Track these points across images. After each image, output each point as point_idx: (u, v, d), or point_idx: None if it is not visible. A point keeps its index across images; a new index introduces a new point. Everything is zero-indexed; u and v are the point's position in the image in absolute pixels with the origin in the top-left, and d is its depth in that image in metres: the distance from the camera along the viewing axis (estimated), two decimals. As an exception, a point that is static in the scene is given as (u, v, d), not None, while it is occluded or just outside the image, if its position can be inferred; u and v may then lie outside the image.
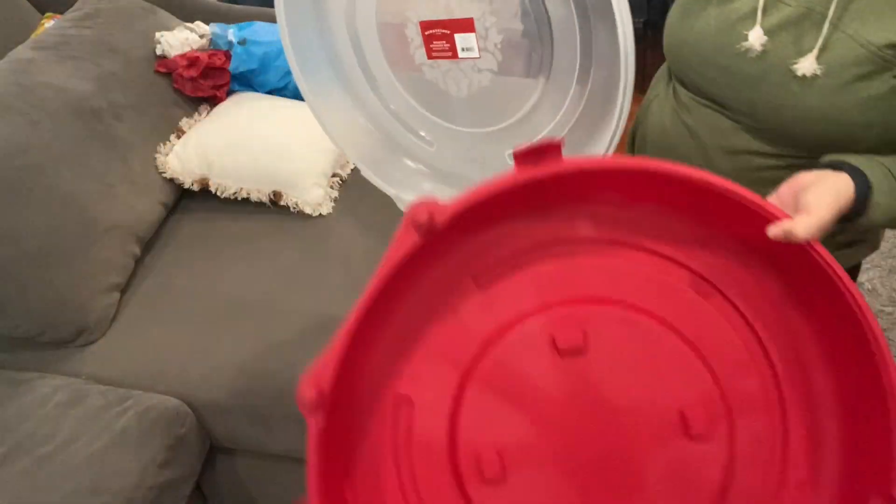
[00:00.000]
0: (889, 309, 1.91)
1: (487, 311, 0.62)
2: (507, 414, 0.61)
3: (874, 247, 0.89)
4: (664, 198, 0.60)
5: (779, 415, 0.60)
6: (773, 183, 0.64)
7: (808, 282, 0.58)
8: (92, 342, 1.25)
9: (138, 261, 1.38)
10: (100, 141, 1.31)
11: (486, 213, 0.60)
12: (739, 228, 0.58)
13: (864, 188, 0.64)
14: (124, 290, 1.34)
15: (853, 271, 0.92)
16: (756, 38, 0.71)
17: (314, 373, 0.54)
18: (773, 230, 0.54)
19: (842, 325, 0.56)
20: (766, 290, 0.61)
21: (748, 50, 0.72)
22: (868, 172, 0.64)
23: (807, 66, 0.69)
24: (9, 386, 1.17)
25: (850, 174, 0.64)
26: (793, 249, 0.55)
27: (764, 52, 0.72)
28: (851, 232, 0.83)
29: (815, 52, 0.68)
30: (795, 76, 0.70)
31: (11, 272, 1.14)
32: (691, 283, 0.61)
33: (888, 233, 2.13)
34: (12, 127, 1.18)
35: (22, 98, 1.23)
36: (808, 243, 0.54)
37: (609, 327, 0.61)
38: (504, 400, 0.61)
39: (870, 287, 1.97)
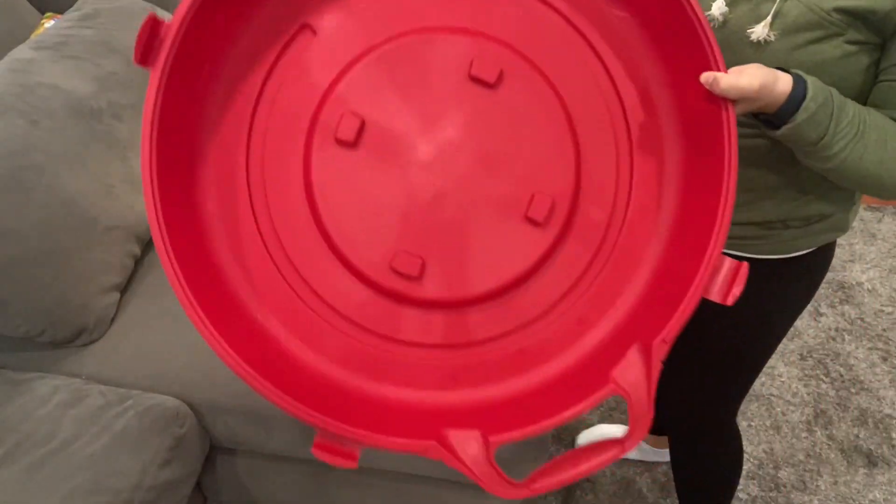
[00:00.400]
0: (889, 309, 1.91)
1: (434, 7, 0.64)
2: (392, 97, 0.62)
3: (842, 228, 0.90)
4: (640, 8, 0.63)
5: (608, 249, 0.64)
6: (742, 155, 0.65)
7: (708, 138, 0.61)
8: (92, 342, 1.25)
9: (138, 261, 1.38)
10: (100, 141, 1.31)
11: None
12: (690, 63, 0.62)
13: (800, 90, 0.66)
14: (124, 290, 1.34)
15: (825, 252, 0.94)
16: (717, 8, 0.76)
17: None
18: (704, 76, 0.59)
19: (705, 187, 0.60)
20: (663, 133, 0.65)
21: (711, 20, 0.76)
22: (809, 81, 0.67)
23: (759, 30, 0.73)
24: (9, 386, 1.17)
25: (793, 77, 0.67)
26: (711, 108, 0.60)
27: (725, 22, 0.76)
28: (815, 202, 0.85)
29: (769, 18, 0.72)
30: (751, 41, 0.74)
31: (11, 272, 1.14)
32: (611, 97, 0.65)
33: (888, 233, 2.13)
34: (12, 127, 1.18)
35: (22, 98, 1.22)
36: (724, 101, 0.59)
37: (524, 86, 0.63)
38: (397, 85, 0.62)
39: (870, 287, 1.97)
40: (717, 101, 0.60)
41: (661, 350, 0.57)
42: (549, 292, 0.64)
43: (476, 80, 0.63)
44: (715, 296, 0.58)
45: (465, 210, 0.62)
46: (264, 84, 0.62)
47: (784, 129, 0.68)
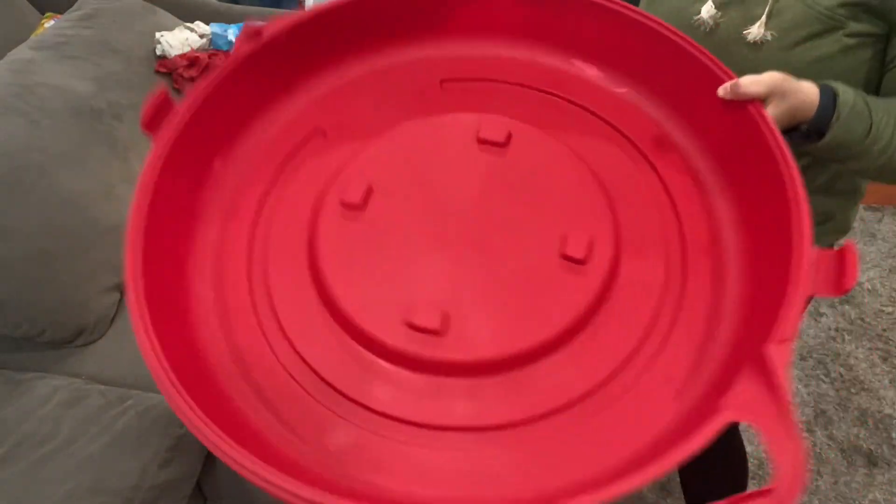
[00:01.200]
0: (889, 309, 1.91)
1: (438, 106, 0.67)
2: (403, 164, 0.63)
3: (843, 230, 0.89)
4: (640, 69, 0.66)
5: (674, 289, 0.57)
6: None
7: (746, 165, 0.59)
8: (92, 342, 1.25)
9: (138, 261, 1.38)
10: (100, 141, 1.31)
11: (478, 26, 0.69)
12: (699, 98, 0.62)
13: (828, 90, 0.64)
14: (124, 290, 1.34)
15: None
16: (706, 11, 0.75)
17: (269, 20, 0.61)
18: (722, 87, 0.60)
19: (764, 192, 0.55)
20: (692, 164, 0.64)
21: (702, 24, 0.76)
22: (832, 83, 0.65)
23: (755, 31, 0.72)
24: (9, 386, 1.17)
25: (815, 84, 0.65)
26: (734, 118, 0.59)
27: (716, 26, 0.76)
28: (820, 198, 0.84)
29: (764, 18, 0.71)
30: (747, 42, 0.73)
31: (11, 272, 1.14)
32: (624, 146, 0.65)
33: (888, 233, 2.13)
34: (12, 127, 1.18)
35: (22, 98, 1.22)
36: (753, 106, 0.58)
37: (536, 143, 0.64)
38: (407, 155, 0.64)
39: (870, 287, 1.97)
40: (743, 108, 0.58)
41: (781, 353, 0.44)
42: (618, 341, 0.54)
43: (485, 142, 0.63)
44: (825, 291, 0.48)
45: (494, 261, 0.57)
46: (277, 175, 0.63)
47: (831, 130, 0.63)
